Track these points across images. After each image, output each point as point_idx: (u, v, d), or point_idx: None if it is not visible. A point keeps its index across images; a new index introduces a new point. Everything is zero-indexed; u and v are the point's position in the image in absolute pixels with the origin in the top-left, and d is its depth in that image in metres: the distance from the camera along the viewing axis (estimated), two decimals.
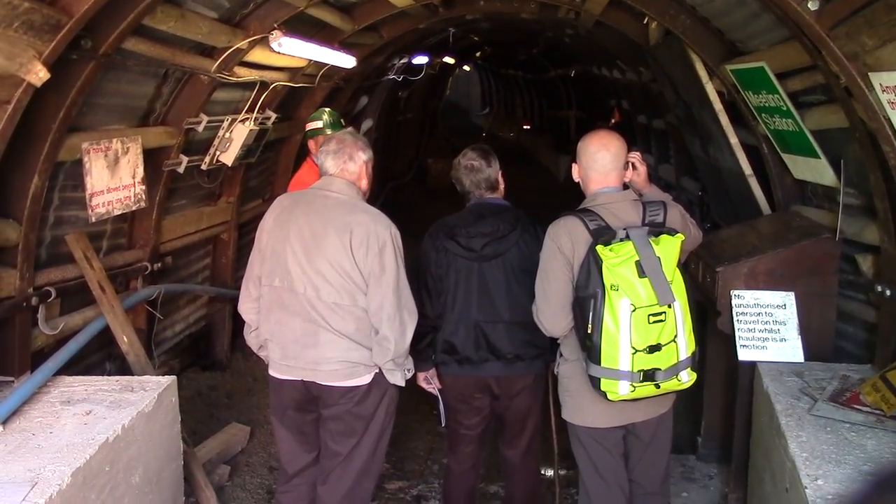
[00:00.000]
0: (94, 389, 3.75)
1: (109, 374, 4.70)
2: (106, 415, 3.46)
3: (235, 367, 6.69)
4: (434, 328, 3.91)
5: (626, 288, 3.04)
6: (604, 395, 3.16)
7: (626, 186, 3.44)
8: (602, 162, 3.35)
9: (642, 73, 8.22)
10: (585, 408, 3.41)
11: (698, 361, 3.27)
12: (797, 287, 4.22)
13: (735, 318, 4.20)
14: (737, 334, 4.17)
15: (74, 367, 4.28)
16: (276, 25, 5.06)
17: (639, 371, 3.07)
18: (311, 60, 6.32)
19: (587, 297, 3.12)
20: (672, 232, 3.18)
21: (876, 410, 3.52)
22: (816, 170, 4.50)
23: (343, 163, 3.64)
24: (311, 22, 5.81)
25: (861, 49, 3.22)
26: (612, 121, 11.49)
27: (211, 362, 6.62)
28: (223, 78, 5.16)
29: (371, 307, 3.51)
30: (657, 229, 3.19)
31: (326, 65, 6.77)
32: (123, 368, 4.60)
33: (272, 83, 6.04)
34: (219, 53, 5.01)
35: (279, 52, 5.30)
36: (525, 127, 24.76)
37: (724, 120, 5.39)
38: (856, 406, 3.58)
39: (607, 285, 3.06)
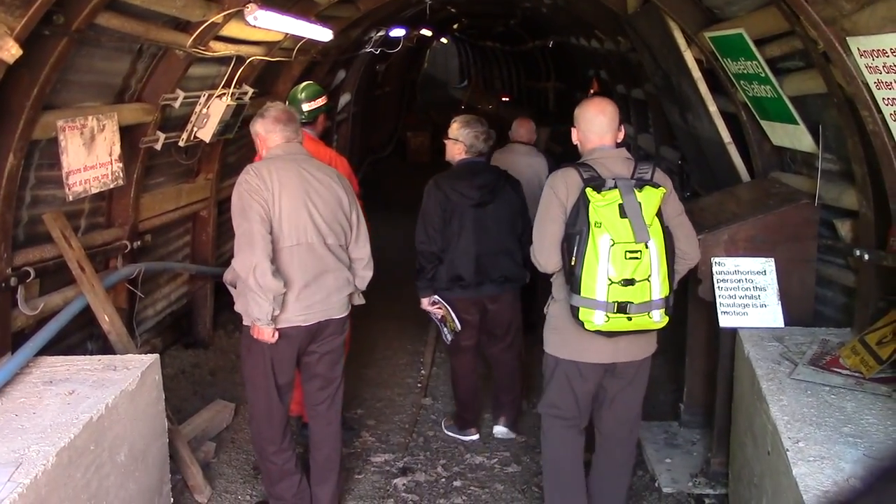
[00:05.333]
0: (77, 369, 3.73)
1: (91, 354, 4.68)
2: (89, 394, 3.45)
3: (218, 345, 6.68)
4: (439, 259, 4.92)
5: (607, 225, 3.39)
6: (581, 324, 3.49)
7: (619, 145, 3.75)
8: (599, 125, 3.71)
9: (620, 43, 8.18)
10: (571, 343, 3.73)
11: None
12: (777, 253, 4.26)
13: (716, 285, 4.23)
14: (718, 301, 4.21)
15: (56, 347, 4.25)
16: None
17: (613, 302, 3.40)
18: (287, 34, 6.24)
19: (574, 233, 3.48)
20: (656, 185, 3.49)
21: (855, 373, 3.58)
22: (795, 136, 4.52)
23: (299, 130, 4.15)
24: None
25: (839, 13, 3.22)
26: (591, 91, 11.42)
27: (193, 340, 6.61)
28: (199, 53, 5.10)
29: (360, 241, 4.19)
30: (643, 182, 3.48)
31: (303, 38, 6.70)
32: (105, 348, 4.57)
33: (248, 58, 5.97)
34: (194, 28, 4.93)
35: (255, 26, 5.22)
36: (504, 99, 24.60)
37: (703, 88, 5.38)
38: (835, 369, 3.63)
39: (592, 222, 3.41)
